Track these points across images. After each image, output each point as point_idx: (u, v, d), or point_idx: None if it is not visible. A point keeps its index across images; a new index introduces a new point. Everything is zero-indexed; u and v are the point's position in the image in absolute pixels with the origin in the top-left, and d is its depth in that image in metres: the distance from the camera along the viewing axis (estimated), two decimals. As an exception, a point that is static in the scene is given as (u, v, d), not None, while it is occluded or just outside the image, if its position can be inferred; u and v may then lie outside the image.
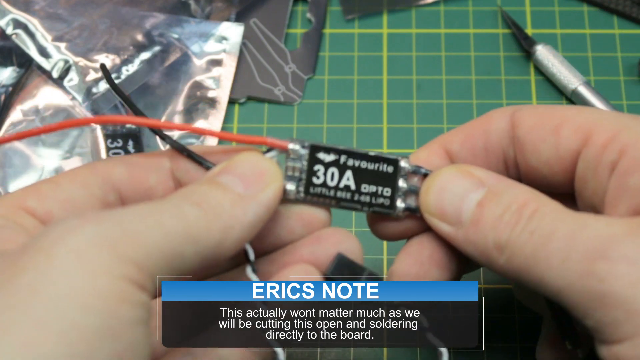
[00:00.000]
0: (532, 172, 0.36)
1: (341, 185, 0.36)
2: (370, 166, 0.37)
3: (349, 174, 0.37)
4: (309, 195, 0.36)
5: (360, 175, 0.37)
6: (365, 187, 0.37)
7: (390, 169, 0.37)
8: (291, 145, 0.36)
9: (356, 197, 0.36)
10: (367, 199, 0.36)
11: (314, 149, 0.36)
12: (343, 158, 0.37)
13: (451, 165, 0.36)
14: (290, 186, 0.36)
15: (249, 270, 0.35)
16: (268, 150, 0.37)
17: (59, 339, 0.26)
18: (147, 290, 0.29)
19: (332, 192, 0.36)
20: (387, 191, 0.37)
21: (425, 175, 0.37)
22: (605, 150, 0.34)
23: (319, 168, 0.36)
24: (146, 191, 0.36)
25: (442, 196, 0.35)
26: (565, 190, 0.36)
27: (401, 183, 0.37)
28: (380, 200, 0.37)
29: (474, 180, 0.35)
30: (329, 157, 0.37)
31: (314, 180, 0.36)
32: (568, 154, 0.35)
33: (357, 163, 0.37)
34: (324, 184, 0.36)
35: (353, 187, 0.36)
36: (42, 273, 0.27)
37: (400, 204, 0.37)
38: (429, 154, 0.38)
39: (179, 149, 0.36)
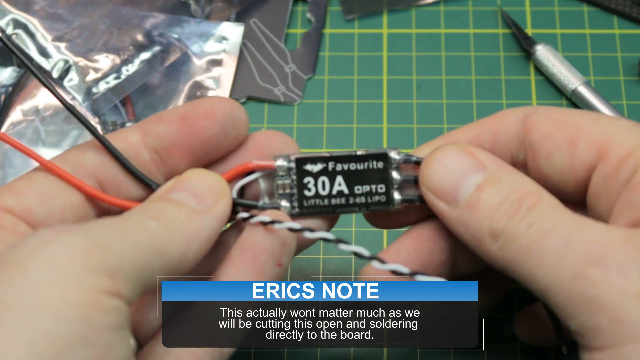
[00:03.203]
0: (542, 178, 0.36)
1: (334, 192, 0.36)
2: (360, 166, 0.36)
3: (339, 179, 0.36)
4: (304, 209, 0.36)
5: (352, 178, 0.36)
6: (359, 189, 0.36)
7: (380, 164, 0.37)
8: (278, 163, 0.36)
9: (351, 200, 0.36)
10: (362, 199, 0.36)
11: (300, 162, 0.36)
12: (331, 165, 0.36)
13: (455, 143, 0.36)
14: (285, 203, 0.36)
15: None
16: (250, 173, 0.36)
17: (28, 349, 0.27)
18: (123, 296, 0.29)
19: (326, 201, 0.36)
20: (382, 187, 0.36)
21: (417, 163, 0.36)
22: (621, 166, 0.33)
23: (309, 180, 0.36)
24: (120, 169, 0.36)
25: (441, 172, 0.35)
26: (574, 199, 0.36)
27: (394, 175, 0.36)
28: (376, 197, 0.36)
29: (476, 162, 0.35)
30: (316, 167, 0.36)
31: (306, 193, 0.36)
32: (583, 166, 0.35)
33: (345, 166, 0.36)
34: (317, 195, 0.36)
35: (346, 191, 0.36)
36: (14, 286, 0.28)
37: (397, 196, 0.36)
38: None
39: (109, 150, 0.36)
